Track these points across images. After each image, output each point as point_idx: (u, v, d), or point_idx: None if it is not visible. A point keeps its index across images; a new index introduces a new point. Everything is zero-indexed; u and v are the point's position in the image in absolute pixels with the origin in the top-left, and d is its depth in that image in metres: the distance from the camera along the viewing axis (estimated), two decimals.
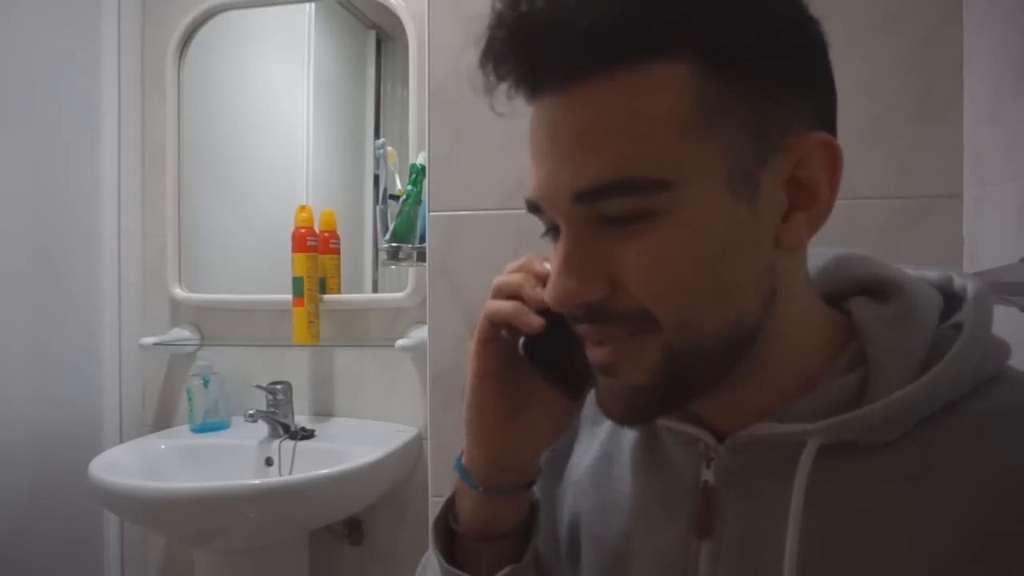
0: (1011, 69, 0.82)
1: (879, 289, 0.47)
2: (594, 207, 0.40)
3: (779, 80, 0.40)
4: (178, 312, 1.68)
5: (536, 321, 0.47)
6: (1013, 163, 0.82)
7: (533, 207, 0.44)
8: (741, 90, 0.39)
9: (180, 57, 1.64)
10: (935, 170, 0.96)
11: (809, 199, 0.42)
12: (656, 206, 0.39)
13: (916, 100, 0.96)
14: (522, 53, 0.40)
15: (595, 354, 0.44)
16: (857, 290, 0.48)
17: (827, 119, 0.43)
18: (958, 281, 0.47)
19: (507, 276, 0.50)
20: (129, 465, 1.34)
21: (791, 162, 0.41)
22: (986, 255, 0.88)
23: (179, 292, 1.64)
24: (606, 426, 0.56)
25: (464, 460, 0.53)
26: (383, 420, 1.53)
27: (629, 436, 0.54)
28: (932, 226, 0.96)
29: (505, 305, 0.49)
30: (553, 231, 0.45)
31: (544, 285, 0.48)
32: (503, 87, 0.41)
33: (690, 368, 0.42)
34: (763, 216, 0.41)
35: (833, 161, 0.42)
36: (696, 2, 0.38)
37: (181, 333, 1.65)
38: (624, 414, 0.45)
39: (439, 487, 1.15)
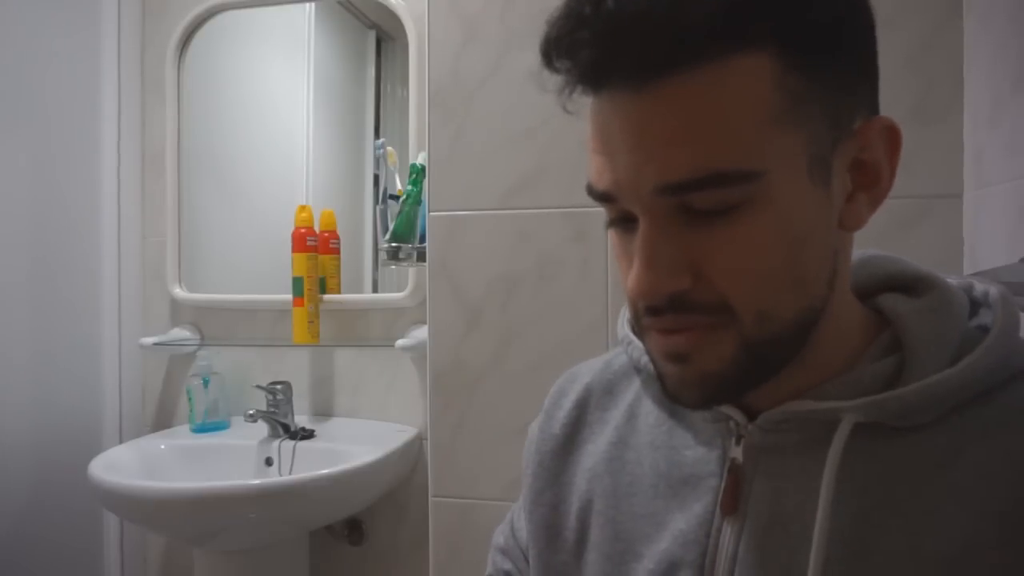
0: (1011, 69, 0.82)
1: (911, 285, 0.48)
2: (679, 199, 0.40)
3: (849, 66, 0.41)
4: (178, 312, 1.68)
5: None
6: (1013, 163, 0.82)
7: (605, 197, 0.43)
8: (819, 78, 0.40)
9: (180, 57, 1.64)
10: (935, 170, 0.96)
11: (872, 180, 0.43)
12: (743, 197, 0.39)
13: (916, 100, 0.96)
14: (610, 51, 0.39)
15: (668, 342, 0.44)
16: (884, 287, 0.49)
17: (876, 99, 0.45)
18: (979, 287, 0.49)
19: None
20: (129, 465, 1.34)
21: (857, 146, 0.42)
22: (986, 255, 0.88)
23: (179, 292, 1.64)
24: (620, 410, 0.56)
25: None
26: (383, 420, 1.53)
27: (647, 417, 0.54)
28: (932, 226, 0.96)
29: None
30: (620, 222, 0.44)
31: None
32: (578, 87, 0.41)
33: (766, 356, 0.43)
34: (834, 200, 0.42)
35: (894, 143, 0.43)
36: None
37: (181, 333, 1.65)
38: (697, 399, 0.45)
39: (439, 487, 1.15)
